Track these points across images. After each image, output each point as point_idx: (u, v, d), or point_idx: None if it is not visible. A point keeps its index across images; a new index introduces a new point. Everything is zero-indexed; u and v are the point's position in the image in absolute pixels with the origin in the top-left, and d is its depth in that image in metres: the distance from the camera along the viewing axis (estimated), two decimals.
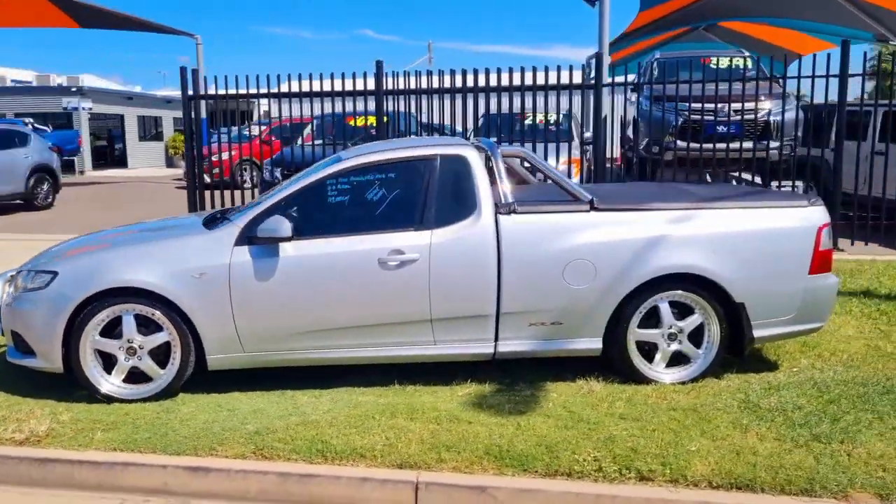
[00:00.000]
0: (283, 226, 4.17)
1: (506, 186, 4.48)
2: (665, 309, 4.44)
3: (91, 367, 4.27)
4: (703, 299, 4.43)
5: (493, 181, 4.49)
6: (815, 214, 4.53)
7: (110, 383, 4.30)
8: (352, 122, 10.58)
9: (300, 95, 9.16)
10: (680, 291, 4.43)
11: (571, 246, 4.35)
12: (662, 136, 9.23)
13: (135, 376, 4.34)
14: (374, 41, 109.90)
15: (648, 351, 4.51)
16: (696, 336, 4.52)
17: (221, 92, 9.38)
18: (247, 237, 4.26)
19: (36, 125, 25.06)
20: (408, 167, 4.52)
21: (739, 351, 4.55)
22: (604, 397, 4.22)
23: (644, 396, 4.23)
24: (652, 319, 4.47)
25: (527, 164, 5.43)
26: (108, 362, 4.33)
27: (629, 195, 5.07)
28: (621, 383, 4.43)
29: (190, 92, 9.38)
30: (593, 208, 4.42)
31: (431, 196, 4.40)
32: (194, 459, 3.60)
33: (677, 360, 4.55)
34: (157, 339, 4.27)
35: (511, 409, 4.09)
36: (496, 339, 4.42)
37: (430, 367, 4.60)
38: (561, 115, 9.91)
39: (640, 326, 4.46)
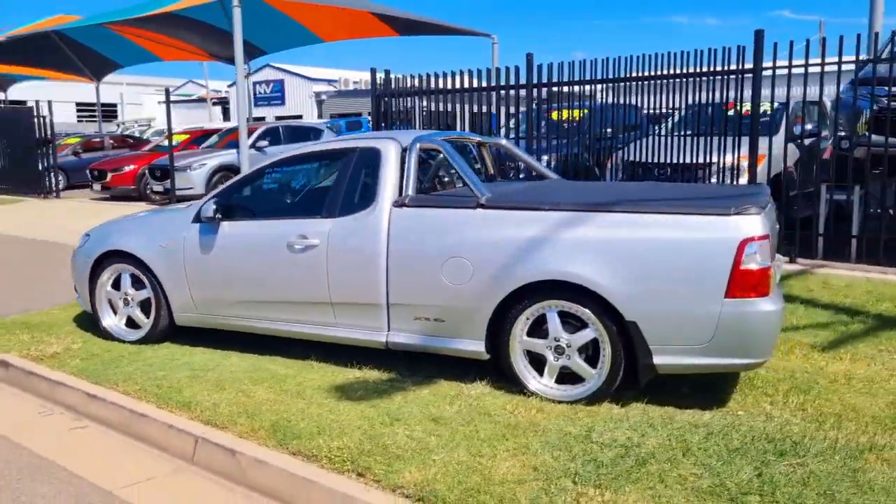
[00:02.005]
0: (210, 207, 4.86)
1: (413, 180, 4.53)
2: (552, 319, 4.09)
3: (103, 310, 5.49)
4: (593, 313, 3.98)
5: (404, 175, 4.58)
6: (739, 225, 3.72)
7: (112, 321, 5.47)
8: (554, 116, 10.68)
9: (450, 92, 9.66)
10: (564, 302, 4.04)
11: (451, 243, 4.26)
12: (853, 128, 7.62)
13: (132, 322, 5.45)
14: (790, 22, 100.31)
15: (544, 363, 4.20)
16: (595, 354, 4.07)
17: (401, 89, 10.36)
18: (198, 216, 5.04)
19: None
20: (330, 159, 4.85)
21: (636, 379, 3.97)
22: (462, 401, 4.09)
23: (497, 407, 4.00)
24: (544, 330, 4.15)
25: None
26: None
27: (538, 193, 4.62)
28: (516, 393, 4.21)
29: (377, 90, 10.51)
30: (479, 205, 4.25)
31: (341, 186, 4.67)
32: (95, 388, 4.52)
33: (578, 377, 4.14)
34: (142, 294, 5.31)
35: (360, 396, 4.22)
36: (388, 329, 4.54)
37: (355, 350, 4.85)
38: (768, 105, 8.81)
39: (532, 335, 4.18)
